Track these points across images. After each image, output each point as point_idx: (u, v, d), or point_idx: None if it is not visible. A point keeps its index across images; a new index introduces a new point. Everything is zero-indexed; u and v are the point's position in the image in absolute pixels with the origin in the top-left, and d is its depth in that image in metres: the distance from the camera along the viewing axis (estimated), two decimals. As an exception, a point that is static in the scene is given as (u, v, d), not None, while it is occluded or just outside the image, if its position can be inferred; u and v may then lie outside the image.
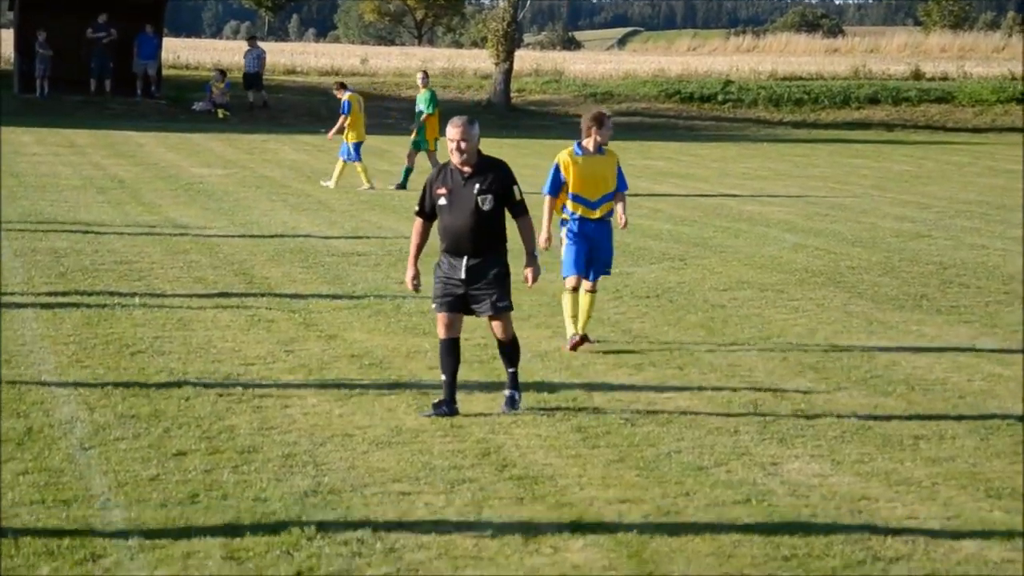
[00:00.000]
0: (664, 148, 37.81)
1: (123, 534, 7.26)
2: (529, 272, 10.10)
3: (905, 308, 14.72)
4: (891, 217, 23.24)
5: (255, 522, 7.48)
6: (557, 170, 12.30)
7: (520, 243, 10.10)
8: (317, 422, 9.63)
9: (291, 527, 7.40)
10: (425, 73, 27.69)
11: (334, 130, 26.27)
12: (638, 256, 17.97)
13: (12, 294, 14.05)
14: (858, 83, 51.51)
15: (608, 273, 12.73)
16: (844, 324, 13.74)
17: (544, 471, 8.59)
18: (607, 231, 12.47)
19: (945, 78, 53.59)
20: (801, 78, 53.49)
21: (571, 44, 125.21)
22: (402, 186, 25.75)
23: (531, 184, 27.24)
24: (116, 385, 10.44)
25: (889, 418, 10.07)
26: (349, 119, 25.79)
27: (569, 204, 12.28)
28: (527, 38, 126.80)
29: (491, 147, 37.01)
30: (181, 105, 43.59)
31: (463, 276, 9.87)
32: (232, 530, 7.35)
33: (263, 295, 14.46)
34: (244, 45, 48.32)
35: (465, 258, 9.89)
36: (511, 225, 10.02)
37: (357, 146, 25.91)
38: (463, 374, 10.23)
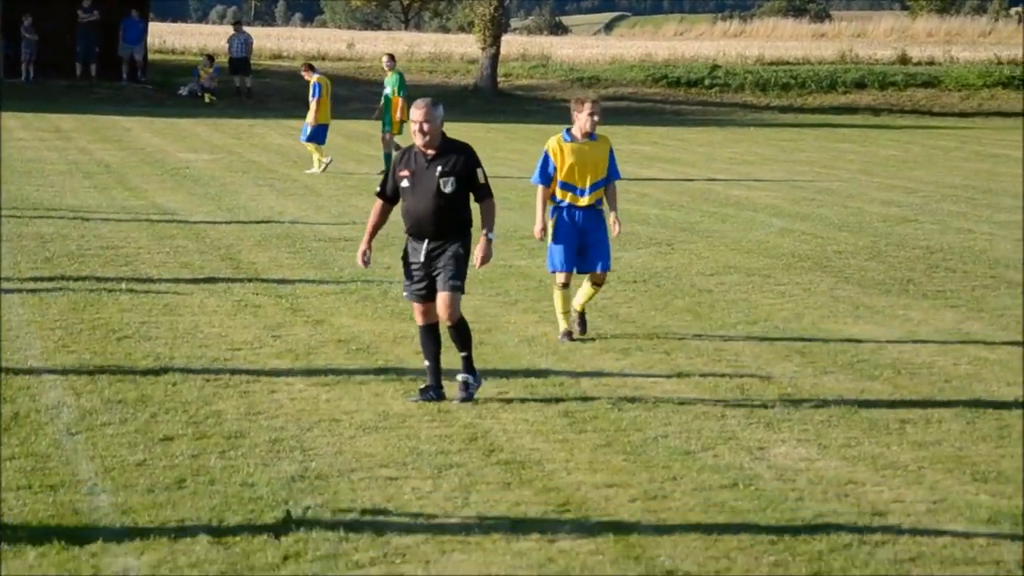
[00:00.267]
0: (651, 133, 37.80)
1: (110, 519, 7.25)
2: (479, 253, 9.88)
3: (892, 293, 14.75)
4: (878, 202, 23.27)
5: (242, 507, 7.48)
6: (546, 158, 11.98)
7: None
8: (304, 407, 9.63)
9: (278, 512, 7.40)
10: (391, 56, 27.56)
11: (312, 116, 26.07)
12: (625, 241, 17.95)
13: (-2, 279, 14.01)
14: (845, 68, 51.52)
15: (608, 268, 12.17)
16: (831, 309, 13.77)
17: (531, 456, 8.60)
18: (598, 220, 12.07)
19: (932, 63, 53.63)
20: (788, 63, 53.49)
21: (558, 29, 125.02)
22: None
23: (519, 169, 27.28)
24: (103, 370, 10.42)
25: (875, 402, 10.10)
26: (318, 101, 25.82)
27: (558, 192, 11.98)
28: (514, 23, 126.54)
29: (478, 131, 36.86)
30: (167, 90, 43.47)
31: (422, 259, 9.83)
32: (219, 515, 7.36)
33: (250, 280, 14.44)
34: (231, 30, 48.17)
35: (426, 241, 9.82)
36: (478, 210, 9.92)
37: (321, 129, 25.88)
38: (450, 360, 10.22)
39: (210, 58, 44.63)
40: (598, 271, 12.08)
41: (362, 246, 10.11)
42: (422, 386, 9.94)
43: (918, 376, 10.99)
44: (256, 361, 10.96)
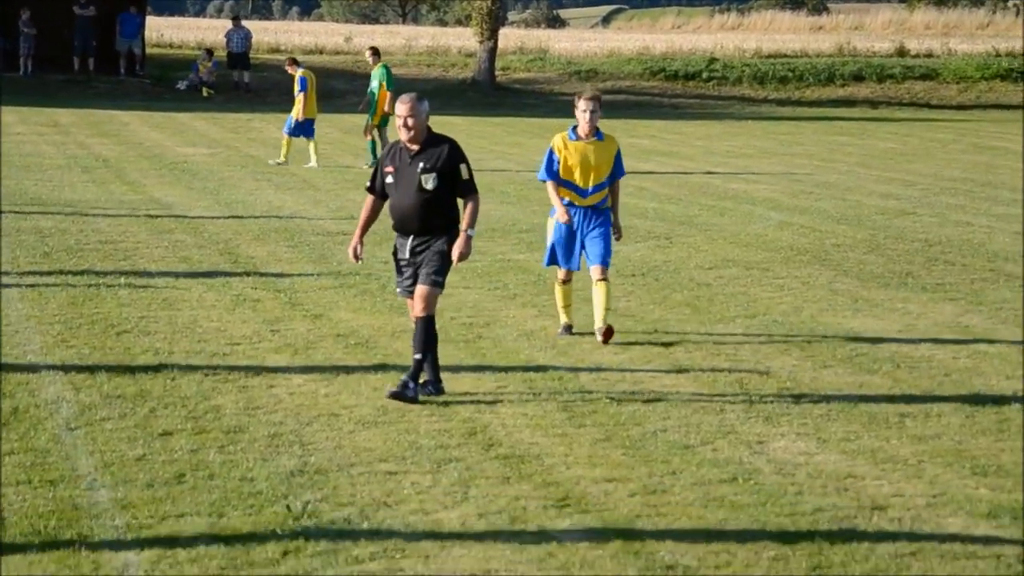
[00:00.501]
0: (649, 126, 37.77)
1: (109, 514, 7.25)
2: (457, 248, 9.67)
3: (890, 286, 14.75)
4: (876, 195, 23.26)
5: (241, 502, 7.48)
6: (550, 154, 11.77)
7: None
8: (303, 402, 9.62)
9: (277, 507, 7.40)
10: (374, 50, 27.18)
11: (301, 111, 25.99)
12: (624, 235, 17.93)
13: (-4, 274, 14.00)
14: (843, 60, 51.47)
15: (607, 264, 11.84)
16: (829, 302, 13.76)
17: (530, 450, 8.60)
18: (600, 219, 11.82)
19: (929, 55, 53.58)
20: (786, 56, 53.44)
21: (555, 22, 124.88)
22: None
23: (517, 162, 27.28)
24: (102, 365, 10.42)
25: (875, 396, 10.10)
26: (305, 95, 25.79)
27: (560, 189, 11.76)
28: (511, 16, 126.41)
29: (476, 125, 36.77)
30: (165, 84, 43.42)
31: (407, 255, 9.80)
32: (218, 510, 7.36)
33: (248, 275, 14.44)
34: (228, 24, 48.11)
35: (411, 237, 9.78)
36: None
37: (308, 123, 25.86)
38: (449, 353, 10.22)
39: (209, 52, 44.58)
40: (597, 264, 11.73)
41: (353, 241, 10.05)
42: (421, 380, 9.92)
43: (917, 369, 11.00)
44: (255, 356, 10.95)
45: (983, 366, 11.17)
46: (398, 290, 10.08)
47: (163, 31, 53.72)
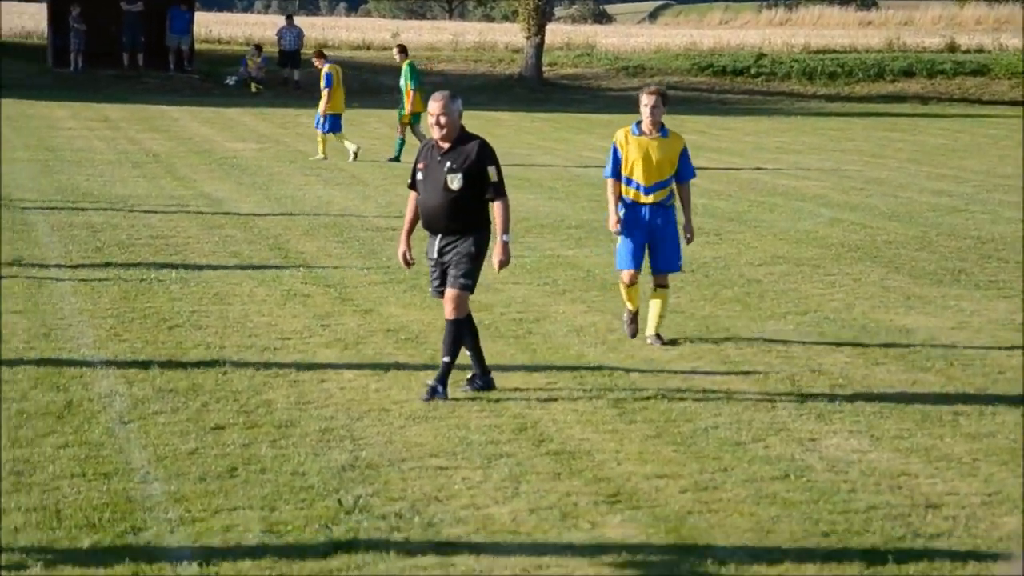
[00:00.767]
0: (697, 122, 37.63)
1: (163, 507, 7.30)
2: (496, 257, 9.63)
3: (943, 283, 14.63)
4: (927, 191, 23.09)
5: (293, 496, 7.51)
6: (614, 150, 11.50)
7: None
8: (354, 397, 9.65)
9: (329, 501, 7.42)
10: (401, 48, 26.48)
11: (323, 107, 25.93)
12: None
13: (49, 267, 14.11)
14: (892, 56, 51.13)
15: (677, 269, 11.67)
16: (881, 299, 13.67)
17: (581, 446, 8.58)
18: (667, 218, 11.48)
19: (980, 50, 53.12)
20: (834, 51, 53.13)
21: (602, 17, 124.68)
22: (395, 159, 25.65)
23: (564, 158, 27.26)
24: (154, 359, 10.48)
25: (928, 394, 10.02)
26: (330, 91, 25.77)
27: (622, 187, 11.51)
28: (558, 11, 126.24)
29: (523, 121, 36.72)
30: (214, 79, 43.65)
31: (435, 255, 9.74)
32: (271, 504, 7.39)
33: (298, 269, 14.49)
34: (276, 19, 48.36)
35: (438, 237, 9.71)
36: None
37: (335, 118, 25.87)
38: (499, 349, 10.22)
39: (258, 48, 44.78)
40: (662, 270, 11.53)
41: (401, 247, 10.02)
42: (468, 376, 9.92)
43: (971, 367, 10.90)
44: (305, 350, 10.99)
45: (1037, 364, 11.06)
46: (430, 290, 10.04)
47: (211, 27, 54.01)
